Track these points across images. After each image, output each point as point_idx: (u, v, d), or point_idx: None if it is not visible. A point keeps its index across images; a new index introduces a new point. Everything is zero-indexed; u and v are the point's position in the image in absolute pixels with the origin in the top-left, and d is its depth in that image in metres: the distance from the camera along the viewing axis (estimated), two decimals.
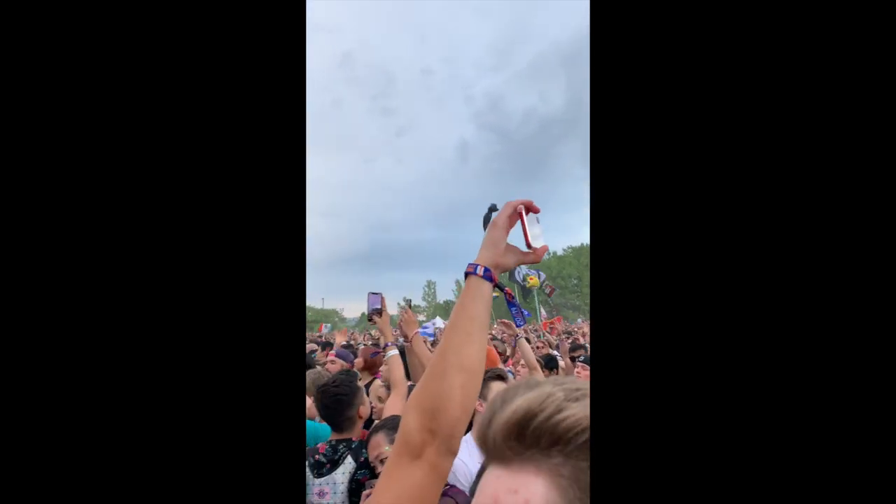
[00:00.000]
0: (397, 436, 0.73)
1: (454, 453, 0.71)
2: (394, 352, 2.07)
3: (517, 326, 2.91)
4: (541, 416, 0.46)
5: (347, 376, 2.07)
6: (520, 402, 0.47)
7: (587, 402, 0.48)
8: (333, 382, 2.00)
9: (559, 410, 0.46)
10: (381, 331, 2.21)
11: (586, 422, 0.46)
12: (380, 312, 2.17)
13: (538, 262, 0.87)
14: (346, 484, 1.79)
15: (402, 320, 2.34)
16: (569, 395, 0.47)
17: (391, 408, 1.98)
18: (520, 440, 0.46)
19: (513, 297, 2.26)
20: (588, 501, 0.44)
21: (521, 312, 2.46)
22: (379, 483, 0.71)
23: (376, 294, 2.21)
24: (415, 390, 0.75)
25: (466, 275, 0.80)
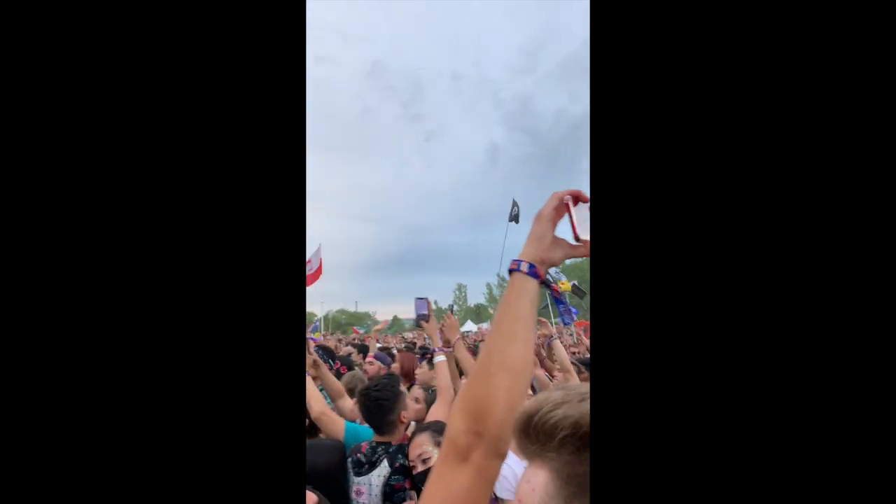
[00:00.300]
0: (444, 439, 0.72)
1: (502, 456, 0.70)
2: (441, 358, 2.03)
3: (565, 325, 2.83)
4: (536, 416, 0.55)
5: (390, 380, 2.05)
6: (528, 403, 0.58)
7: (585, 404, 0.54)
8: (376, 386, 2.00)
9: (550, 410, 0.55)
10: (428, 336, 2.18)
11: (570, 420, 0.54)
12: (427, 318, 2.15)
13: (588, 257, 0.84)
14: (380, 487, 1.80)
15: (444, 325, 2.33)
16: (566, 398, 0.56)
17: (435, 414, 1.95)
18: (526, 436, 0.57)
19: (560, 294, 2.17)
20: (567, 490, 0.53)
21: (570, 310, 2.36)
22: (427, 487, 0.70)
23: (423, 299, 2.20)
24: (460, 393, 0.75)
25: (510, 271, 0.77)
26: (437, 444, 1.61)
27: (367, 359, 4.36)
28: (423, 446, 1.65)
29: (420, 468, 1.65)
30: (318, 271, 7.16)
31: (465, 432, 0.69)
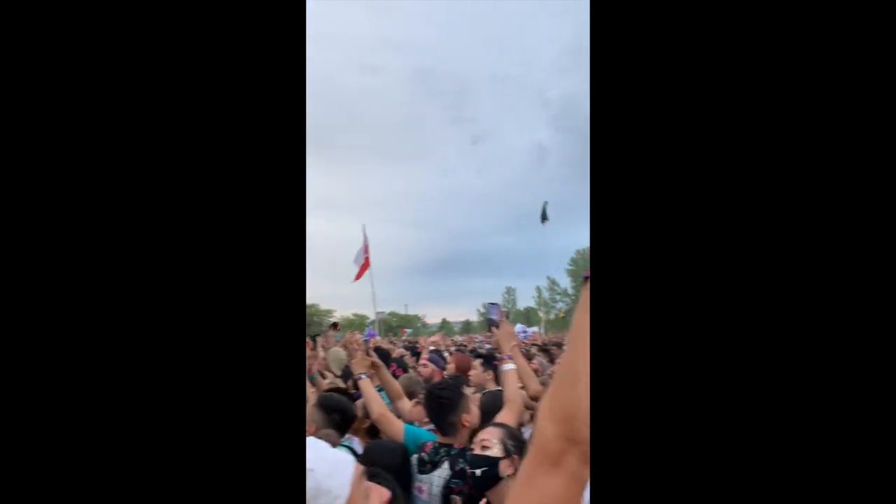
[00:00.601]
0: (531, 446, 0.72)
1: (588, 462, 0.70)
2: (511, 366, 2.01)
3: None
4: None
5: (455, 381, 2.05)
6: None
7: None
8: (440, 385, 2.03)
9: None
10: (498, 342, 2.17)
11: None
12: (497, 323, 2.14)
13: None
14: (440, 488, 1.81)
15: (498, 333, 2.28)
16: None
17: (503, 421, 1.91)
18: None
19: None
20: None
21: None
22: (515, 495, 0.70)
23: (494, 304, 2.20)
24: (545, 399, 0.74)
25: (585, 279, 0.77)
26: (504, 445, 1.59)
27: (421, 361, 4.40)
28: (490, 436, 1.63)
29: (477, 450, 1.65)
30: (366, 264, 7.32)
31: (557, 438, 0.68)
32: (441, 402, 1.96)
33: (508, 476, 1.54)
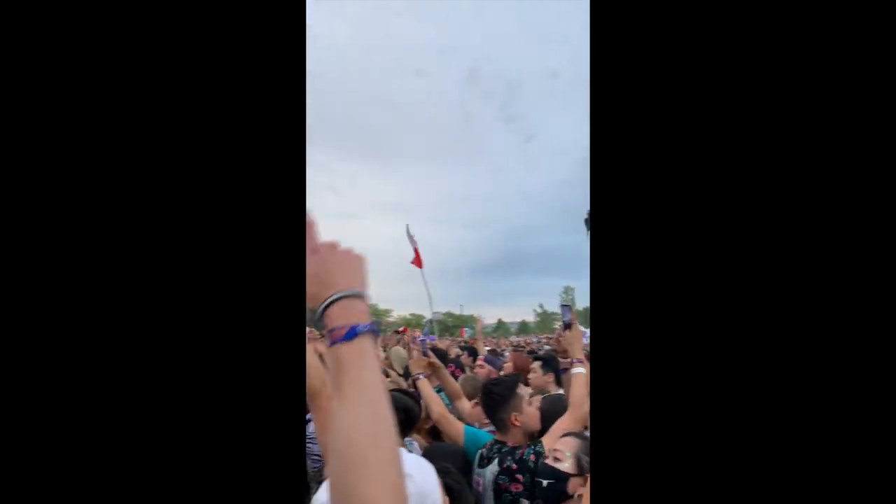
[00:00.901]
0: None
1: None
2: (581, 370, 1.95)
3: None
4: None
5: (510, 379, 2.04)
6: None
7: None
8: (494, 381, 2.07)
9: None
10: (569, 344, 2.12)
11: None
12: (570, 325, 2.10)
13: None
14: (491, 483, 1.85)
15: (564, 337, 2.23)
16: None
17: (561, 426, 1.85)
18: None
19: None
20: None
21: None
22: None
23: (566, 306, 2.15)
24: None
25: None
26: (578, 460, 1.50)
27: (478, 362, 4.38)
28: (564, 448, 1.56)
29: (549, 462, 1.58)
30: (417, 260, 7.40)
31: None
32: (492, 398, 1.99)
33: (578, 496, 1.45)
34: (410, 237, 7.43)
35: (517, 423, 1.98)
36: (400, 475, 0.52)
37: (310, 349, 1.54)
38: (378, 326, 0.61)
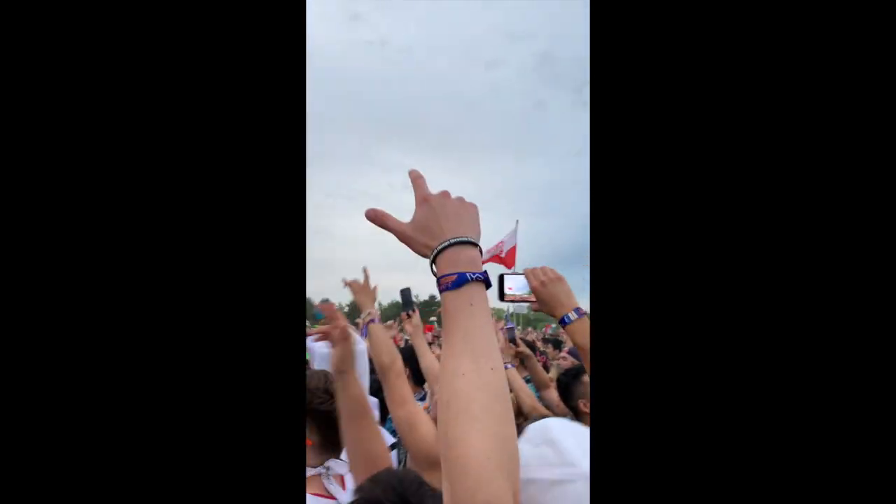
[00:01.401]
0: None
1: None
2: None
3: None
4: None
5: (574, 368, 2.28)
6: None
7: None
8: (564, 371, 2.27)
9: None
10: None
11: None
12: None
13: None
14: None
15: None
16: None
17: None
18: None
19: None
20: None
21: None
22: None
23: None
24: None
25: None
26: None
27: (562, 354, 4.48)
28: None
29: None
30: (497, 257, 7.29)
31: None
32: (562, 388, 2.16)
33: None
34: (511, 235, 7.25)
35: (586, 409, 2.04)
36: (509, 431, 0.50)
37: (378, 327, 1.60)
38: (487, 276, 0.58)
